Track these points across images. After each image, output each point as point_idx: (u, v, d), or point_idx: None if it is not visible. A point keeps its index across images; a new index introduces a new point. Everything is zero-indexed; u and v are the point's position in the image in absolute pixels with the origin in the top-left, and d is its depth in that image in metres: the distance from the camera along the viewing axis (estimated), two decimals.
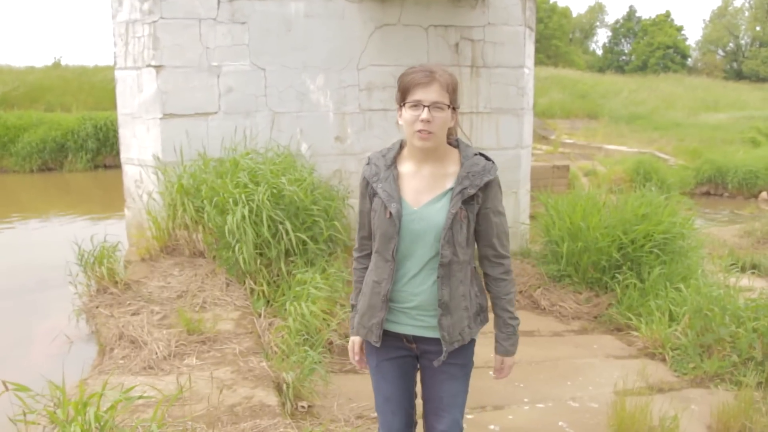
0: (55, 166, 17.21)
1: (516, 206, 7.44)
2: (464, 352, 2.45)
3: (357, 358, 2.62)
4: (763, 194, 17.20)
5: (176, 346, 4.09)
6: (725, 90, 33.60)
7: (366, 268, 2.50)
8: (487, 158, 2.38)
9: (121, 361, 3.90)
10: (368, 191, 2.40)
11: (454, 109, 2.29)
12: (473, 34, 7.04)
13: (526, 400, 4.20)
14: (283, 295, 4.86)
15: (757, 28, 50.16)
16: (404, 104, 2.25)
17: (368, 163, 2.42)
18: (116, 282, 5.10)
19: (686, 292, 5.31)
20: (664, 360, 4.94)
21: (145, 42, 6.14)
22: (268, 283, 5.05)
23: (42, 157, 16.98)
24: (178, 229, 5.85)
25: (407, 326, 2.39)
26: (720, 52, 52.40)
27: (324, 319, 4.43)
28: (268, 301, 4.98)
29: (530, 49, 7.71)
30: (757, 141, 21.13)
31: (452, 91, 2.26)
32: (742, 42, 51.35)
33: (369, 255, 2.48)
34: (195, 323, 4.32)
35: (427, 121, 2.20)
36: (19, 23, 75.10)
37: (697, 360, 4.76)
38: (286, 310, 4.50)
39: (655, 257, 5.82)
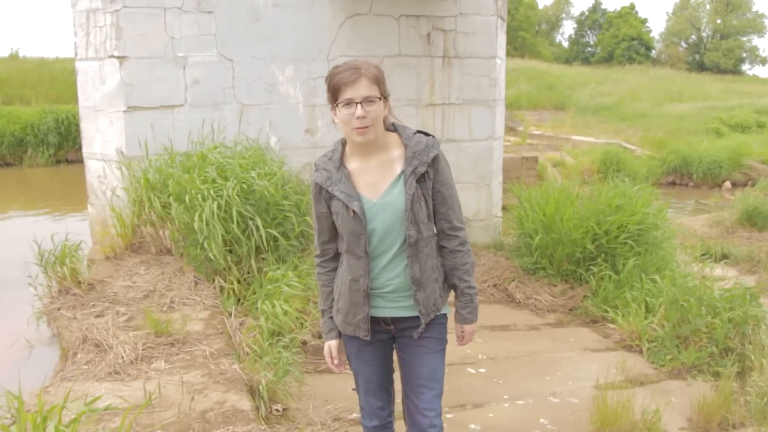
0: (14, 161, 16.66)
1: (489, 198, 7.37)
2: (439, 327, 2.54)
3: (336, 362, 2.61)
4: (727, 184, 17.48)
5: (143, 349, 3.92)
6: (688, 81, 34.17)
7: (331, 271, 2.57)
8: (427, 134, 2.46)
9: (85, 367, 3.72)
10: (323, 196, 2.44)
11: (385, 99, 2.36)
12: (445, 24, 6.93)
13: (505, 397, 4.13)
14: (255, 293, 4.72)
15: (718, 21, 51.09)
16: (337, 104, 2.30)
17: (317, 170, 2.45)
18: (79, 282, 4.89)
19: (661, 283, 5.29)
20: (641, 352, 4.93)
21: (107, 32, 5.90)
22: (239, 281, 4.89)
23: (0, 151, 16.44)
24: (144, 226, 5.65)
25: (386, 309, 2.48)
26: (683, 44, 53.24)
27: (297, 318, 4.29)
28: (239, 300, 4.83)
29: (502, 39, 7.63)
30: (720, 131, 21.49)
31: (380, 82, 2.33)
32: (704, 34, 52.25)
33: (332, 258, 2.55)
34: (163, 324, 4.15)
35: (363, 117, 2.26)
36: None
37: (674, 351, 4.75)
38: (257, 308, 4.36)
39: (629, 248, 5.80)
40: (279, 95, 6.47)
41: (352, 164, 2.42)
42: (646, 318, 5.11)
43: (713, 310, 4.82)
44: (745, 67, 50.67)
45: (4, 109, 17.35)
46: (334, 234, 2.50)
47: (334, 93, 2.30)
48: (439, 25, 6.92)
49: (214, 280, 4.97)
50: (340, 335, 2.59)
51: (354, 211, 2.35)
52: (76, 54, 6.28)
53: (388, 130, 2.45)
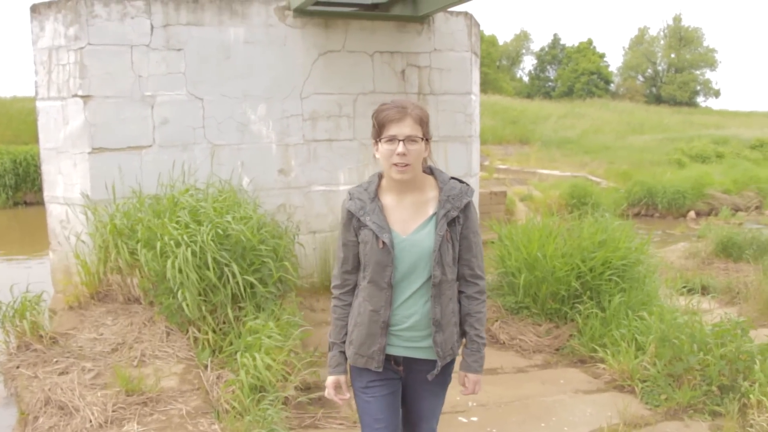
0: None
1: None
2: (447, 369, 2.60)
3: (347, 396, 2.61)
4: (691, 213, 17.73)
5: (113, 410, 3.64)
6: (648, 113, 34.97)
7: (348, 305, 2.57)
8: (461, 181, 2.53)
9: None
10: (353, 224, 2.48)
11: (426, 140, 2.42)
12: (419, 60, 6.86)
13: None
14: (231, 344, 4.45)
15: (672, 56, 52.63)
16: (380, 139, 2.37)
17: (351, 198, 2.49)
18: (41, 336, 4.58)
19: (650, 319, 5.17)
20: (633, 392, 4.76)
21: (70, 70, 5.67)
22: (214, 331, 4.62)
23: None
24: (111, 274, 5.37)
25: (399, 348, 2.50)
26: (640, 77, 54.64)
27: (280, 371, 4.03)
28: (214, 351, 4.56)
29: (476, 75, 7.60)
30: (682, 162, 21.89)
31: (424, 123, 2.39)
32: (659, 68, 53.73)
33: (350, 291, 2.57)
34: (134, 381, 3.87)
35: (403, 155, 2.33)
36: None
37: (668, 391, 4.60)
38: (236, 360, 4.10)
39: (615, 285, 5.68)
40: (251, 135, 6.30)
41: (387, 198, 2.48)
42: (636, 356, 4.97)
43: (705, 346, 4.71)
44: (700, 99, 52.15)
45: None
46: (356, 265, 2.52)
47: (379, 129, 2.37)
48: (413, 62, 6.85)
49: (187, 331, 4.69)
50: (346, 371, 2.59)
51: (384, 243, 2.39)
52: (36, 93, 6.02)
53: (424, 172, 2.50)
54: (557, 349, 5.65)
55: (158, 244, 4.57)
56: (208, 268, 4.47)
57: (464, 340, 2.62)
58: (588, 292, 5.73)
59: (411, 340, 2.48)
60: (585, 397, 4.77)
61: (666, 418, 4.43)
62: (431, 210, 2.46)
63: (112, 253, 5.12)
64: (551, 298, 5.87)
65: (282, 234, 5.44)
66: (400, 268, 2.42)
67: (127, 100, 5.76)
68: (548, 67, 57.26)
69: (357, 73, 6.63)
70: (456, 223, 2.46)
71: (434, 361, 2.50)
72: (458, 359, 2.62)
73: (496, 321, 5.97)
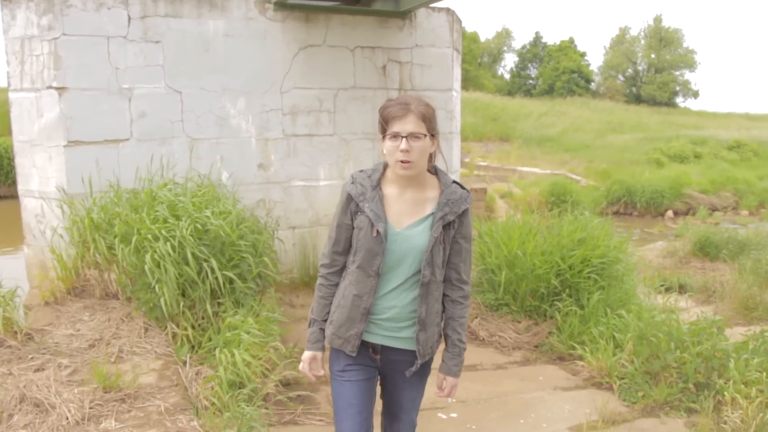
0: None
1: None
2: (425, 364, 2.65)
3: (321, 372, 2.64)
4: (669, 212, 17.94)
5: (91, 407, 3.58)
6: (627, 113, 35.26)
7: (334, 285, 2.60)
8: (462, 187, 2.57)
9: (23, 431, 3.35)
10: (351, 207, 2.51)
11: (432, 136, 2.44)
12: (401, 56, 6.84)
13: None
14: (210, 339, 4.41)
15: (652, 56, 53.04)
16: (385, 136, 2.42)
17: (353, 182, 2.52)
18: (15, 332, 4.49)
19: (628, 317, 5.21)
20: (611, 389, 4.80)
21: (44, 61, 5.56)
22: (193, 327, 4.57)
23: None
24: (88, 269, 5.28)
25: (377, 336, 2.54)
26: (620, 77, 55.04)
27: (259, 367, 3.99)
28: (193, 347, 4.51)
29: (457, 72, 7.59)
30: (660, 162, 22.13)
31: (428, 120, 2.41)
32: (640, 68, 54.14)
33: (338, 272, 2.60)
34: (112, 378, 3.81)
35: (406, 151, 2.36)
36: None
37: (645, 388, 4.64)
38: (215, 357, 4.05)
39: (593, 282, 5.72)
40: (230, 129, 6.23)
41: (388, 189, 2.51)
42: (614, 354, 5.00)
43: (681, 344, 4.76)
44: (679, 99, 52.62)
45: None
46: (347, 247, 2.56)
47: (383, 125, 2.42)
48: (394, 57, 6.82)
49: (166, 326, 4.63)
50: (323, 348, 2.63)
51: (378, 232, 2.43)
52: (9, 84, 5.89)
53: (429, 171, 2.54)
54: (536, 346, 5.68)
55: (134, 239, 4.51)
56: (187, 264, 4.42)
57: (444, 342, 2.67)
58: (567, 290, 5.76)
59: (389, 330, 2.53)
60: (564, 393, 4.79)
61: (643, 415, 4.47)
62: (429, 210, 2.50)
63: (90, 247, 5.04)
64: (531, 295, 5.89)
65: (261, 229, 5.39)
66: (387, 260, 2.46)
67: (104, 92, 5.67)
68: (529, 65, 57.46)
69: (338, 68, 6.59)
70: (451, 227, 2.50)
71: (411, 351, 2.56)
72: (436, 358, 2.67)
73: (476, 318, 5.98)
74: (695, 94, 54.69)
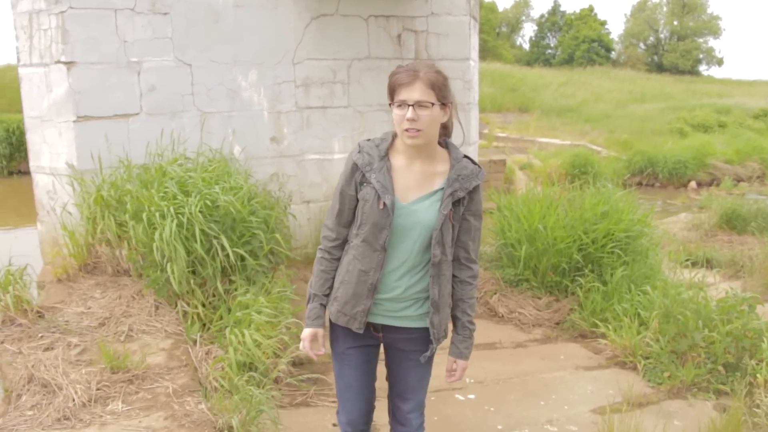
0: None
1: None
2: (431, 346, 2.55)
3: (322, 351, 2.54)
4: (692, 183, 17.53)
5: (98, 389, 3.49)
6: (650, 82, 34.53)
7: (336, 260, 2.48)
8: (474, 162, 2.44)
9: (30, 413, 3.28)
10: (356, 177, 2.40)
11: (444, 105, 2.31)
12: (416, 24, 6.61)
13: (500, 427, 3.80)
14: (221, 318, 4.31)
15: (675, 23, 51.90)
16: (391, 104, 2.31)
17: (360, 151, 2.41)
18: (26, 311, 4.41)
19: (653, 294, 5.03)
20: (635, 369, 4.65)
21: (52, 35, 5.42)
22: (203, 305, 4.48)
23: None
24: (99, 245, 5.19)
25: (378, 316, 2.45)
26: (641, 45, 53.95)
27: (271, 348, 3.89)
28: (204, 325, 4.41)
29: (475, 40, 7.35)
30: (684, 131, 21.61)
31: (438, 88, 2.27)
32: (662, 36, 53.01)
33: (340, 246, 2.48)
34: (120, 358, 3.72)
35: (413, 120, 2.24)
36: None
37: (671, 368, 4.48)
38: (225, 337, 3.95)
39: (617, 257, 5.53)
40: (242, 102, 6.07)
41: (396, 160, 2.39)
42: (638, 332, 4.84)
43: (710, 322, 4.58)
44: (702, 68, 51.55)
45: None
46: (351, 219, 2.45)
47: (391, 92, 2.31)
48: (410, 26, 6.60)
49: (176, 304, 4.54)
50: (324, 325, 2.53)
51: (385, 204, 2.31)
52: (18, 60, 5.77)
53: (439, 144, 2.41)
54: (557, 323, 5.53)
55: (144, 216, 4.40)
56: (197, 241, 4.30)
57: (452, 323, 2.58)
58: (589, 265, 5.59)
59: (391, 309, 2.44)
60: (586, 373, 4.65)
61: (669, 397, 4.32)
62: (437, 184, 2.38)
63: (100, 224, 4.94)
64: (552, 270, 5.73)
65: (274, 204, 5.27)
66: (394, 234, 2.35)
67: (113, 66, 5.52)
68: (548, 34, 56.51)
69: (351, 37, 6.38)
70: (461, 204, 2.38)
71: (414, 329, 2.46)
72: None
73: (495, 294, 5.84)
74: (719, 62, 53.49)
